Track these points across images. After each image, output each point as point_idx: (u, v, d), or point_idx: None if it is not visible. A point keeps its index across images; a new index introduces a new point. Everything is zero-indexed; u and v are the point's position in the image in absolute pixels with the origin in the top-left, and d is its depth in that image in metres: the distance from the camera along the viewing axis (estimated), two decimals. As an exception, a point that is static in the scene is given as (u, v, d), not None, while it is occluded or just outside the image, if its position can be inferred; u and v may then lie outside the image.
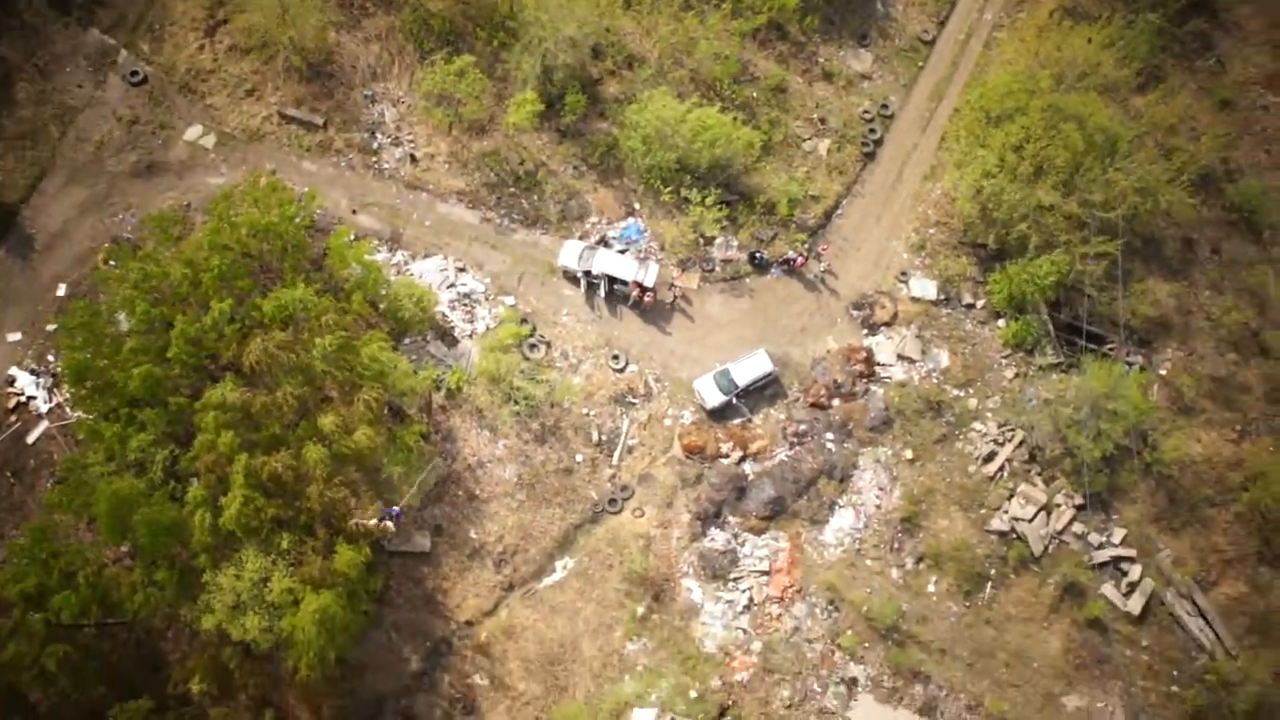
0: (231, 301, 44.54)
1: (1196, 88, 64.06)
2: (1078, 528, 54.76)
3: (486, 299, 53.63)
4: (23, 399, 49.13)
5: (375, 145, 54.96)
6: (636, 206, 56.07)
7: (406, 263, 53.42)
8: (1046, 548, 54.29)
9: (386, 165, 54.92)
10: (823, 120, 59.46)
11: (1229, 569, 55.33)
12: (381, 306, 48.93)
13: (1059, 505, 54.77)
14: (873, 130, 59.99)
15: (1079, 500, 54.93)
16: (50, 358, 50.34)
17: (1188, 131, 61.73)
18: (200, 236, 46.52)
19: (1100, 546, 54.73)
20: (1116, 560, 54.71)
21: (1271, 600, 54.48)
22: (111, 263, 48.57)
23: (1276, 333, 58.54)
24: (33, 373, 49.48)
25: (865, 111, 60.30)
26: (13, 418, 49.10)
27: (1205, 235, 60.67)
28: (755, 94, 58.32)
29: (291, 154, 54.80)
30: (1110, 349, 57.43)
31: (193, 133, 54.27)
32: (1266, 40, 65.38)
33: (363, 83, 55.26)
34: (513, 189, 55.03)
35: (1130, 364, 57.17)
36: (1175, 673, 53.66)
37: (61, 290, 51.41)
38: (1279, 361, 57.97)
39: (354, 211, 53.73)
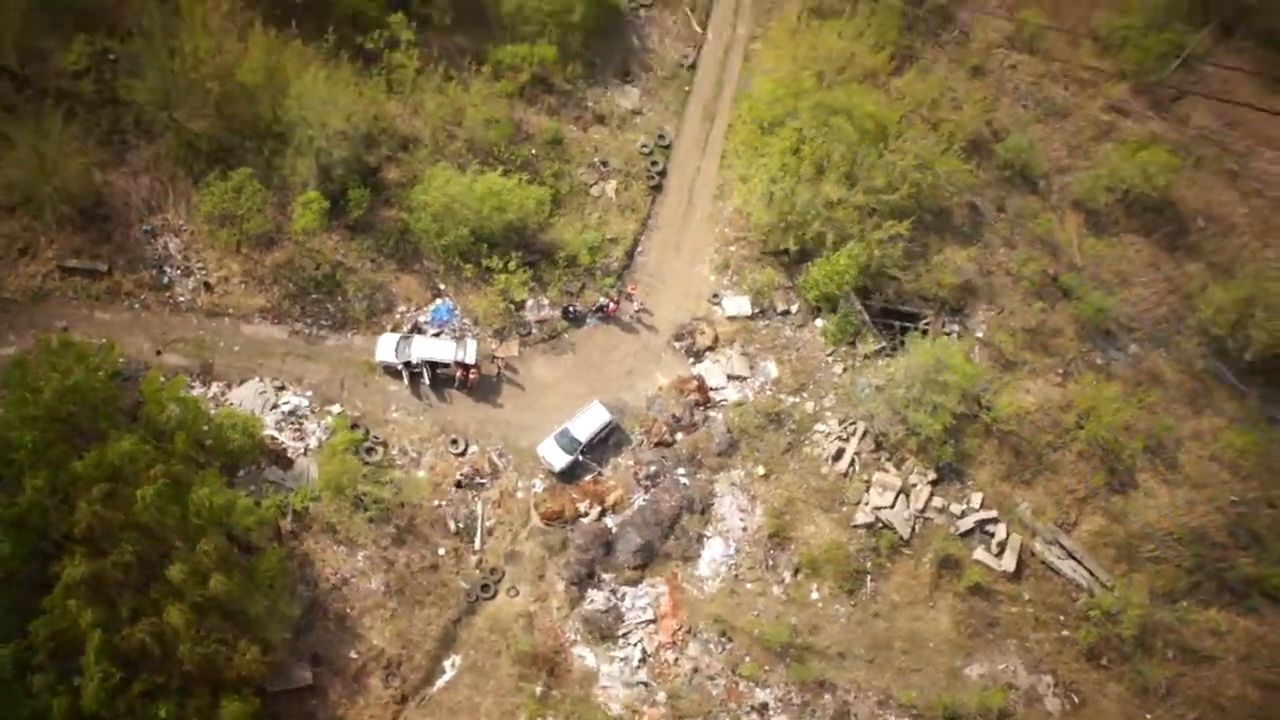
0: (47, 473, 49.70)
1: (948, 60, 76.97)
2: (937, 502, 64.88)
3: (313, 412, 60.31)
4: None
5: (166, 280, 61.08)
6: (441, 286, 64.08)
7: (223, 393, 59.48)
8: (914, 529, 64.16)
9: (182, 298, 61.13)
10: (604, 163, 69.16)
11: (1084, 506, 66.53)
12: (208, 443, 55.12)
13: (915, 485, 64.85)
14: (654, 163, 70.06)
15: (932, 475, 65.32)
16: None
17: (949, 103, 74.26)
18: (1, 414, 51.82)
19: (963, 515, 64.87)
20: (981, 524, 64.80)
21: (1129, 526, 65.69)
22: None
23: (1070, 274, 71.10)
24: None
25: (643, 146, 70.39)
26: None
27: (988, 196, 72.92)
28: (534, 151, 67.48)
29: (81, 307, 60.13)
30: (926, 324, 68.66)
31: (-30, 305, 59.28)
32: (999, 4, 79.40)
33: (140, 218, 61.37)
34: (315, 295, 62.10)
35: (948, 333, 68.59)
36: (1061, 617, 63.96)
37: None
38: (1080, 300, 70.38)
39: (159, 352, 59.49)
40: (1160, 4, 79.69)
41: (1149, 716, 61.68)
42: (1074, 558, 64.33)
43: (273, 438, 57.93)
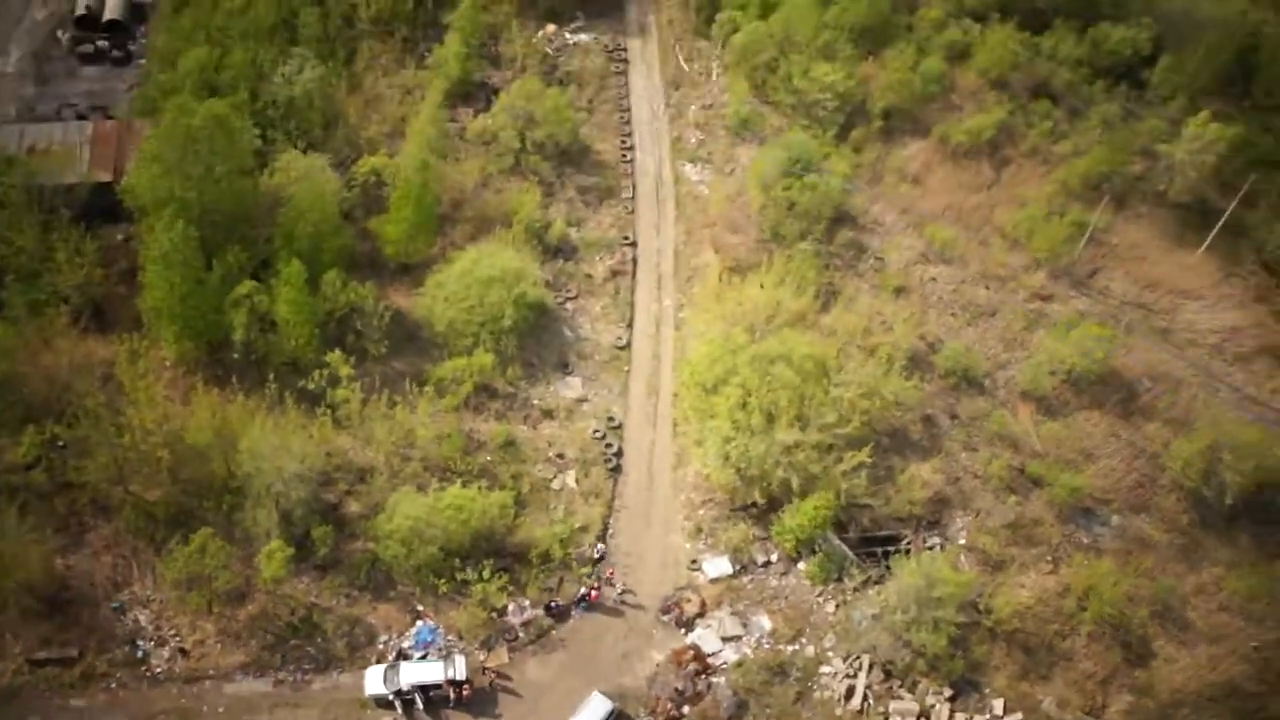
0: None
1: (870, 287, 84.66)
2: (960, 717, 68.07)
3: (311, 763, 63.70)
4: None
5: (140, 654, 64.78)
6: (420, 608, 68.46)
7: (217, 762, 63.05)
8: (943, 750, 67.05)
9: (159, 669, 64.69)
10: (560, 455, 75.17)
11: (1109, 687, 69.33)
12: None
13: (933, 706, 67.56)
14: (609, 445, 76.12)
15: (949, 692, 68.39)
16: None
17: (881, 327, 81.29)
18: None
19: (989, 725, 68.01)
20: (1010, 730, 67.89)
21: (1158, 697, 68.19)
22: None
23: (1036, 462, 76.55)
24: None
25: (595, 431, 76.61)
26: None
27: (939, 407, 78.89)
28: (489, 457, 73.35)
29: (54, 698, 62.29)
30: (907, 544, 73.35)
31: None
32: (905, 224, 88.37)
33: (107, 596, 65.75)
34: (293, 641, 65.97)
35: (931, 548, 73.30)
36: (1113, 808, 66.17)
37: None
38: (1052, 485, 75.50)
39: (141, 739, 63.32)
40: (1053, 191, 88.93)
41: None
42: (1112, 746, 66.45)
43: (271, 798, 60.68)
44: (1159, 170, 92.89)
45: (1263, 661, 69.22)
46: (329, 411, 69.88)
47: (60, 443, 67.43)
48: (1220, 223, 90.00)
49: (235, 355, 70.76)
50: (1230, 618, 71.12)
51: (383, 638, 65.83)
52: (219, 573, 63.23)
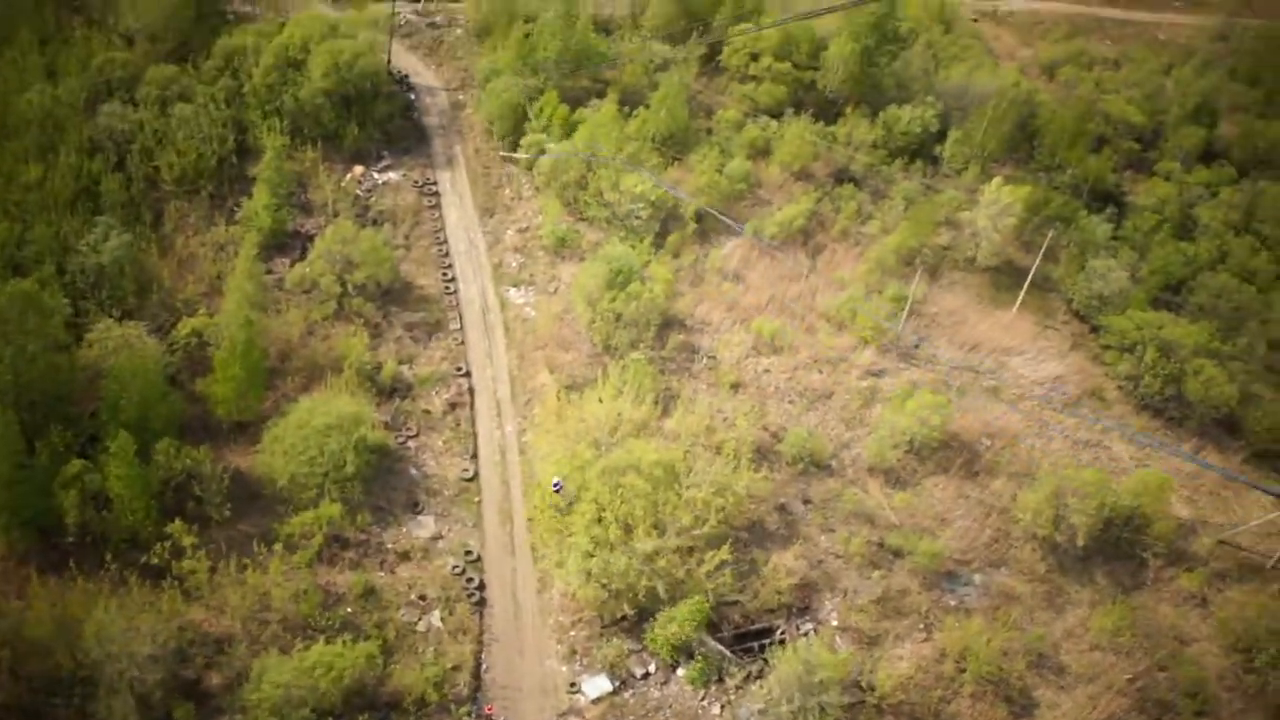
0: None
1: (707, 386, 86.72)
2: (861, 800, 69.11)
3: None
4: None
5: None
6: (298, 776, 66.98)
7: None
8: (849, 835, 67.86)
9: None
10: (422, 597, 74.51)
11: (1000, 746, 71.97)
12: None
13: (832, 790, 69.06)
14: (470, 580, 75.79)
15: (846, 775, 69.69)
16: None
17: (723, 424, 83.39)
18: None
19: (890, 801, 69.19)
20: (912, 803, 69.19)
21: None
22: None
23: (893, 534, 79.31)
24: None
25: (454, 568, 76.25)
26: None
27: (791, 494, 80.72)
28: (349, 608, 72.30)
29: None
30: (781, 634, 74.75)
31: None
32: (720, 320, 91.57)
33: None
34: (166, 839, 63.93)
35: (805, 634, 74.84)
36: None
37: None
38: (912, 554, 78.16)
39: None
40: (869, 270, 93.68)
41: None
42: (1010, 802, 68.37)
43: None
44: (965, 238, 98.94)
45: (1139, 693, 72.54)
46: (176, 584, 68.01)
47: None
48: (1028, 280, 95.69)
49: (69, 539, 68.59)
50: (1102, 655, 74.48)
51: (264, 819, 63.62)
52: (78, 784, 60.48)
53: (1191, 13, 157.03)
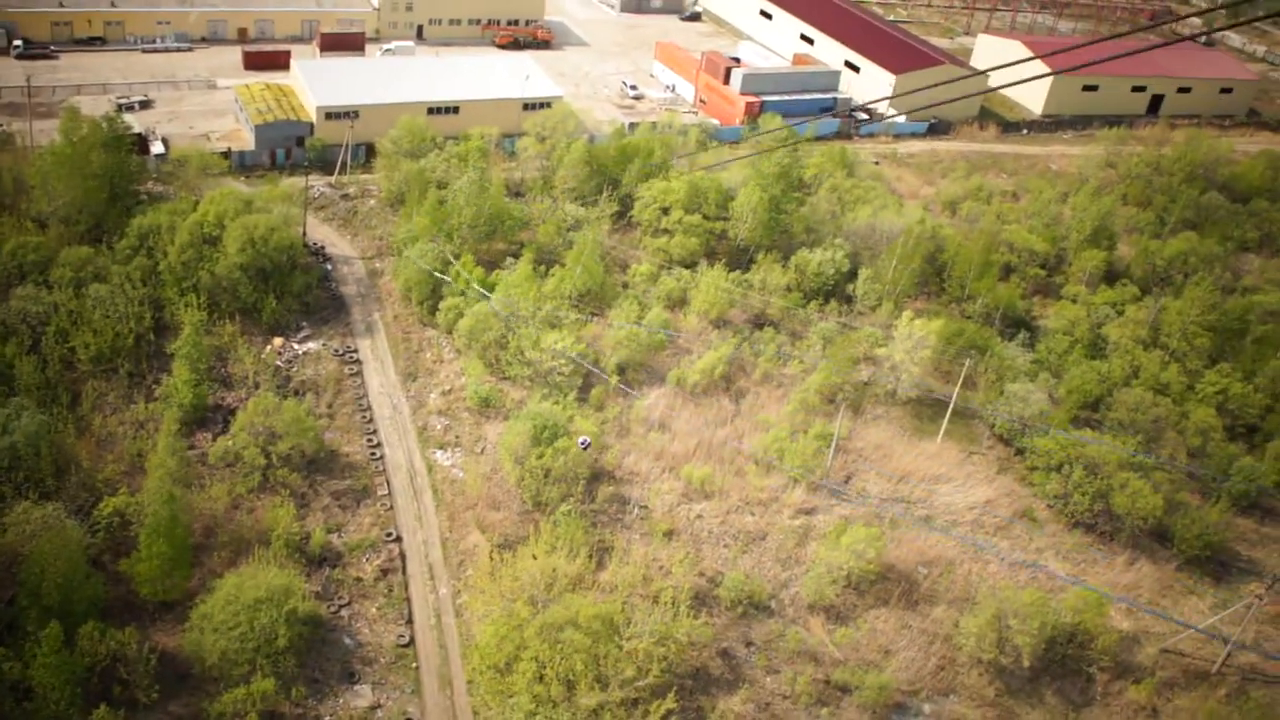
0: None
1: (640, 536, 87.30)
2: None
3: None
4: None
5: None
6: None
7: None
8: None
9: None
10: (361, 774, 73.22)
11: None
12: None
13: None
14: (410, 748, 74.82)
15: None
16: None
17: (659, 573, 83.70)
18: None
19: None
20: None
21: None
22: None
23: (839, 670, 79.39)
24: None
25: (394, 736, 75.30)
26: None
27: (732, 638, 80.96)
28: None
29: None
30: None
31: None
32: (659, 469, 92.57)
33: None
34: None
35: None
36: None
37: None
38: (860, 688, 78.20)
39: None
40: (793, 410, 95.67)
41: None
42: None
43: None
44: (884, 372, 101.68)
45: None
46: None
47: None
48: (950, 409, 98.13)
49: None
50: (1057, 777, 74.10)
51: None
52: None
53: (1079, 143, 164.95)
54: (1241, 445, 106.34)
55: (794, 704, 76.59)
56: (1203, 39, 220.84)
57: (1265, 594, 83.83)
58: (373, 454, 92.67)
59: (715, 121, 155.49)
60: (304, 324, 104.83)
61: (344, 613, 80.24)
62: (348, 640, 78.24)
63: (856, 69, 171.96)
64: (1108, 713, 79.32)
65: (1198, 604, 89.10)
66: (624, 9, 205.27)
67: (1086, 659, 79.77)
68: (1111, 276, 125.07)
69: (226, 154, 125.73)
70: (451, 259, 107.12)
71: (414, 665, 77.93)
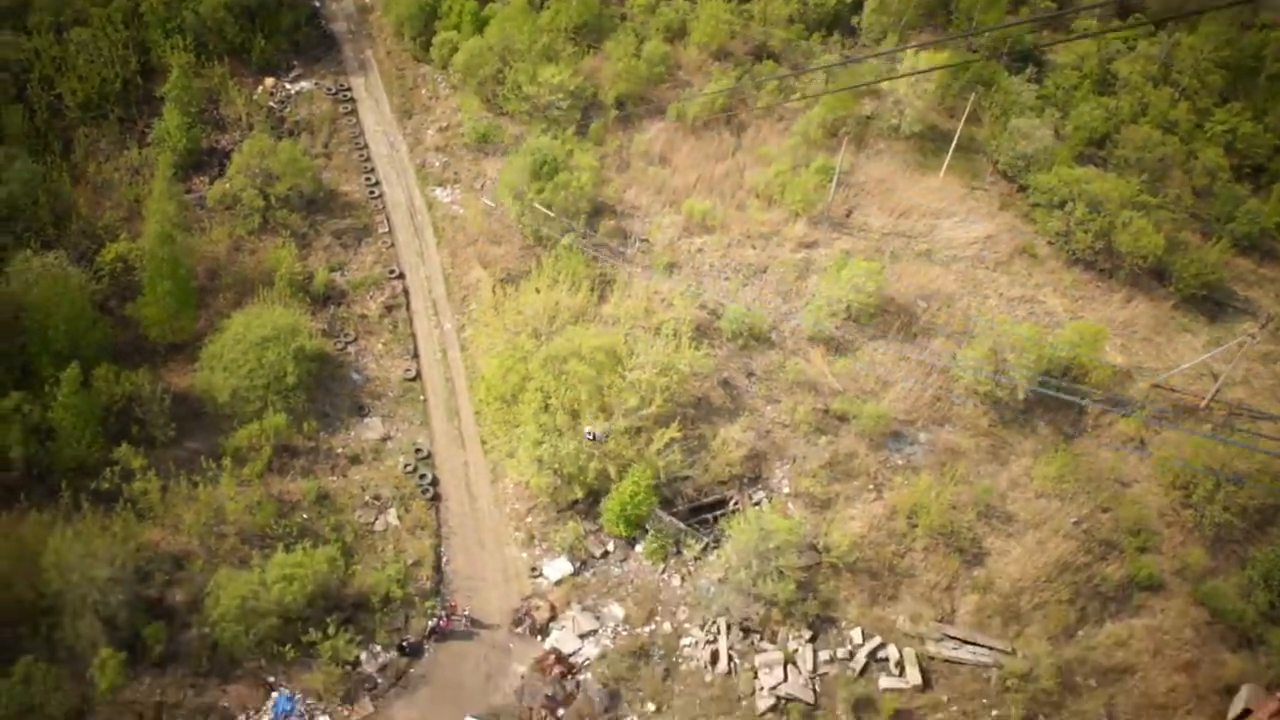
0: None
1: (642, 268, 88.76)
2: (824, 655, 72.19)
3: None
4: None
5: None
6: (271, 679, 68.78)
7: None
8: (815, 690, 70.91)
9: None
10: (376, 497, 76.67)
11: (953, 592, 75.48)
12: None
13: (796, 650, 71.87)
14: (423, 476, 77.99)
15: (808, 634, 72.87)
16: None
17: (661, 305, 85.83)
18: None
19: (852, 655, 72.19)
20: (873, 654, 72.15)
21: (1000, 590, 74.77)
22: None
23: (837, 399, 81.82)
24: None
25: (406, 466, 78.34)
26: None
27: (733, 369, 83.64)
28: (304, 515, 74.28)
29: None
30: (735, 504, 77.79)
31: None
32: (664, 203, 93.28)
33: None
34: (146, 750, 66.04)
35: (758, 503, 77.87)
36: (984, 700, 70.82)
37: None
38: (857, 417, 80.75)
39: None
40: (795, 144, 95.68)
41: (1104, 748, 69.03)
42: (968, 643, 72.35)
43: None
44: (888, 107, 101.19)
45: (1084, 534, 76.53)
46: (129, 506, 69.29)
47: None
48: (953, 144, 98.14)
49: (15, 473, 69.40)
50: (1047, 502, 78.35)
51: (240, 719, 65.83)
52: (49, 697, 62.19)
53: None
54: (1248, 185, 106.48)
55: (793, 432, 79.04)
56: None
57: (1258, 333, 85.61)
58: (371, 193, 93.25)
59: None
60: (295, 63, 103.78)
61: (351, 349, 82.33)
62: (355, 376, 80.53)
63: None
64: (1097, 443, 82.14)
65: (1192, 341, 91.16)
66: None
67: (1079, 392, 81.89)
68: (1125, 10, 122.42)
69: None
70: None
71: (422, 398, 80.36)
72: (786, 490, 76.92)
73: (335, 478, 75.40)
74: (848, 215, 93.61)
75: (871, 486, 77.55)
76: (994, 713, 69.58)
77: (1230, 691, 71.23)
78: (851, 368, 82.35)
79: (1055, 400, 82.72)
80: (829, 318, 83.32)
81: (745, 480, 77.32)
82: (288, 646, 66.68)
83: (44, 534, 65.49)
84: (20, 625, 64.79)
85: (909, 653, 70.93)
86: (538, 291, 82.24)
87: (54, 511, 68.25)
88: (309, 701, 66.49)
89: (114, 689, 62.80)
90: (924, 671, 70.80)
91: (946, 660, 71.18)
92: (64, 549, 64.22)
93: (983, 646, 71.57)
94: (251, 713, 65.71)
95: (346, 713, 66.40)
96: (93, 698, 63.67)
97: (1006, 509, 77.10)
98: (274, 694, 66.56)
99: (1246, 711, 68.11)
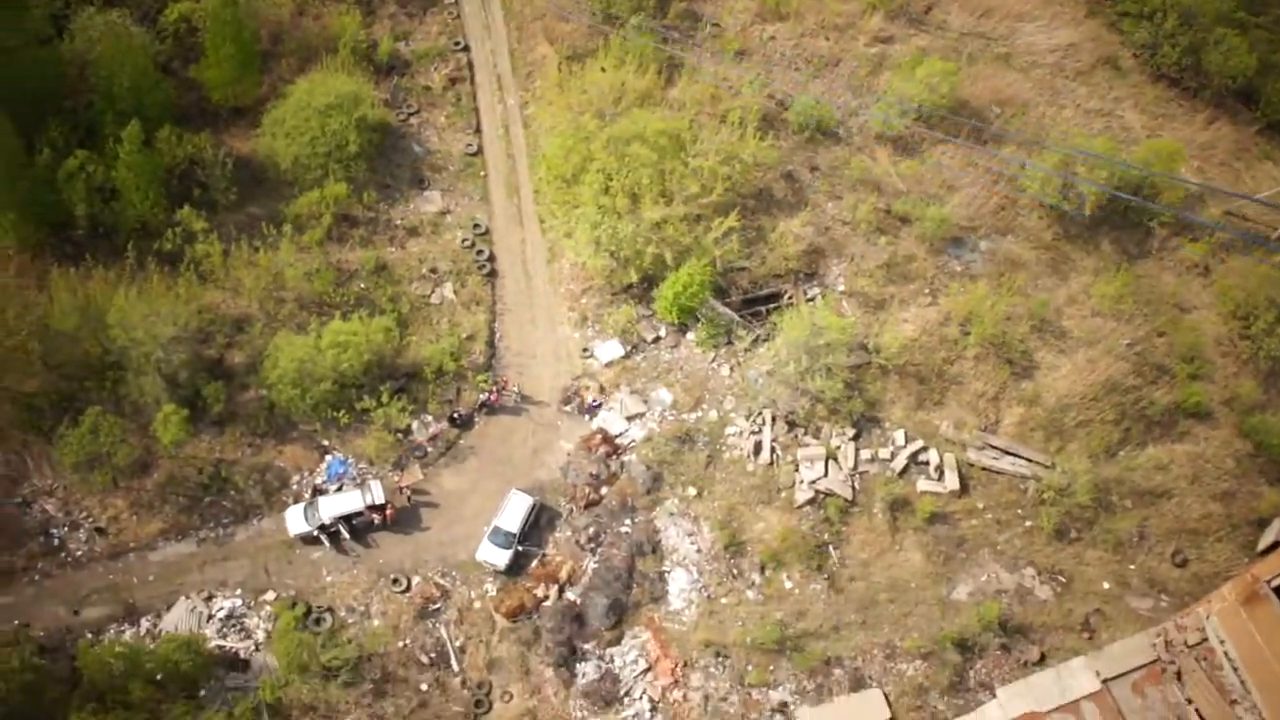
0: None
1: (711, 54, 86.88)
2: (866, 454, 73.38)
3: (249, 608, 66.33)
4: None
5: (56, 541, 66.99)
6: (325, 443, 71.01)
7: (155, 624, 65.45)
8: (854, 487, 72.22)
9: (79, 551, 66.92)
10: (433, 270, 77.33)
11: (999, 403, 75.90)
12: (160, 677, 61.50)
13: (839, 447, 73.16)
14: (480, 252, 78.50)
15: (851, 432, 73.98)
16: None
17: (728, 93, 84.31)
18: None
19: (893, 456, 73.29)
20: (913, 457, 73.13)
21: (1046, 404, 74.98)
22: None
23: (900, 201, 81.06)
24: None
25: (464, 240, 78.76)
26: None
27: (797, 162, 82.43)
28: (362, 285, 75.24)
29: None
30: (789, 299, 77.92)
31: None
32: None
33: (6, 494, 67.31)
34: (207, 499, 68.30)
35: (811, 299, 77.90)
36: (1019, 511, 72.41)
37: None
38: (919, 220, 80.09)
39: (76, 613, 65.23)
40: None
41: (1133, 566, 70.35)
42: (1009, 453, 73.09)
43: (220, 646, 63.90)
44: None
45: (1137, 356, 76.13)
46: (192, 268, 70.42)
47: (-81, 350, 67.21)
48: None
49: (81, 232, 70.52)
50: (1103, 321, 77.82)
51: (295, 479, 68.43)
52: (117, 448, 64.61)
53: None
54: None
55: (853, 230, 78.62)
56: None
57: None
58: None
59: None
60: None
61: (413, 121, 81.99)
62: (417, 148, 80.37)
63: None
64: (1160, 266, 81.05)
65: (1272, 170, 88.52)
66: None
67: (1149, 212, 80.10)
68: None
69: None
70: None
71: (482, 174, 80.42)
72: (841, 288, 76.85)
73: (393, 249, 76.06)
74: (926, 11, 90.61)
75: (927, 291, 77.18)
76: (1027, 523, 70.49)
77: (1263, 524, 71.51)
78: (917, 169, 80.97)
79: (1122, 218, 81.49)
80: (899, 116, 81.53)
81: (801, 275, 77.27)
82: (342, 412, 68.35)
83: (109, 292, 67.18)
84: (87, 379, 67.02)
85: (949, 458, 71.57)
86: (603, 71, 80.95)
87: (119, 270, 69.67)
88: (361, 465, 68.64)
89: (176, 443, 65.10)
90: (962, 478, 71.60)
91: (985, 469, 71.88)
92: (128, 307, 65.82)
93: (1023, 458, 72.20)
94: (306, 473, 67.86)
95: (396, 478, 68.44)
96: (155, 451, 66.00)
97: (1061, 325, 76.74)
98: (327, 457, 68.72)
99: (1277, 544, 68.59)
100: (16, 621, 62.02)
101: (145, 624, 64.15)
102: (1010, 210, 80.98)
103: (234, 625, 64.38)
